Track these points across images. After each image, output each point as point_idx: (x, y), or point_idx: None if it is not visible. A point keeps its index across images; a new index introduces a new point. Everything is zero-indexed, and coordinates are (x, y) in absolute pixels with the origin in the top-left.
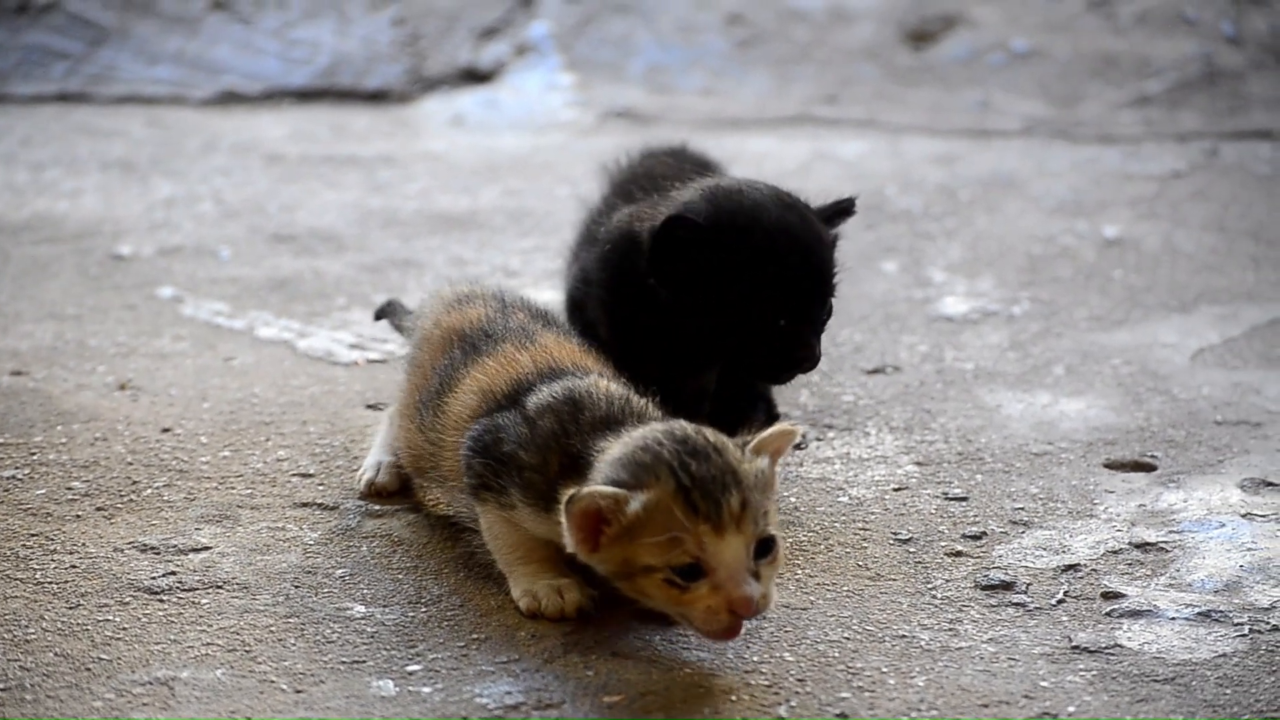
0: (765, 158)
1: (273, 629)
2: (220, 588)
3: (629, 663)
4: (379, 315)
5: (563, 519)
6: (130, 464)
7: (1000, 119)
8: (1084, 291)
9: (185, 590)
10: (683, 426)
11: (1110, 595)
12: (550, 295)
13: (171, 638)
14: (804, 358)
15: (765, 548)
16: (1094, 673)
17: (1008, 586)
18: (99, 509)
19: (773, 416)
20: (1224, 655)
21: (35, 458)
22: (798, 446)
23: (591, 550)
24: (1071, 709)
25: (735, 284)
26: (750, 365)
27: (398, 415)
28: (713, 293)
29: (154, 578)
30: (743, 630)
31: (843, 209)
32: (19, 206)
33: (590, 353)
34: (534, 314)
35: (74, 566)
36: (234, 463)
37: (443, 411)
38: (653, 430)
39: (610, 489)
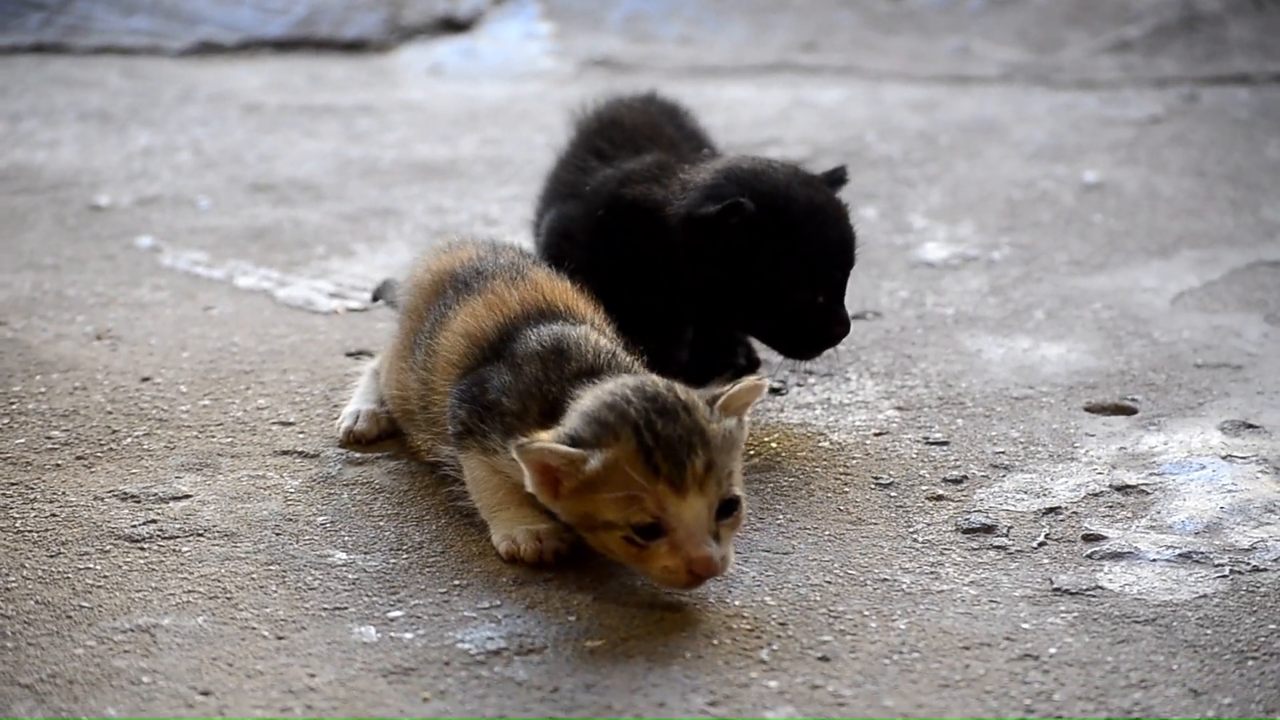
0: (744, 105)
1: (254, 576)
2: (201, 535)
3: (611, 608)
4: (376, 296)
5: (520, 463)
6: (110, 413)
7: (979, 65)
8: (1064, 236)
9: (166, 538)
10: (654, 383)
11: (1091, 538)
12: (530, 244)
13: (153, 585)
14: (840, 333)
15: (728, 508)
16: (1075, 614)
17: (989, 530)
18: (79, 458)
19: (753, 361)
20: (1204, 596)
21: (14, 407)
22: (776, 391)
23: (553, 497)
24: (1053, 650)
25: (777, 266)
26: (786, 341)
27: (388, 360)
28: (753, 274)
29: (135, 526)
30: (704, 585)
31: (837, 178)
32: None
33: (580, 294)
34: (525, 254)
35: (54, 515)
36: (214, 411)
37: (434, 352)
38: (622, 385)
39: (563, 449)
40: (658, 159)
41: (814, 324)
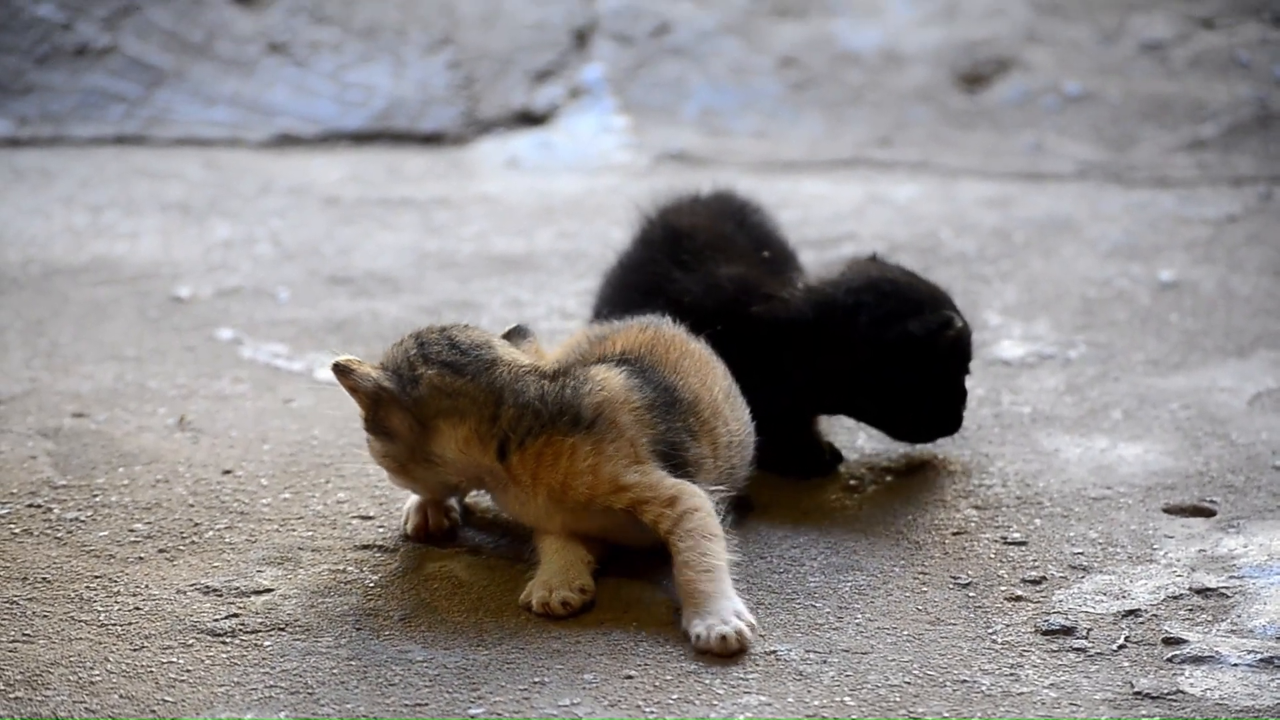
0: (819, 200)
1: (335, 671)
2: (283, 630)
3: (690, 707)
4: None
5: None
6: (192, 506)
7: (1054, 162)
8: (1140, 335)
9: (248, 632)
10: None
11: (1171, 641)
12: None
13: (235, 680)
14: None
15: None
16: (1156, 719)
17: (1068, 631)
18: (161, 551)
19: (836, 455)
20: None
21: (98, 499)
22: (854, 490)
23: None
24: None
25: (961, 360)
26: (936, 423)
27: None
28: (941, 371)
29: (217, 619)
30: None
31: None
32: (78, 248)
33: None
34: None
35: (137, 608)
36: (295, 505)
37: None
38: None
39: None
40: (746, 274)
41: (957, 402)
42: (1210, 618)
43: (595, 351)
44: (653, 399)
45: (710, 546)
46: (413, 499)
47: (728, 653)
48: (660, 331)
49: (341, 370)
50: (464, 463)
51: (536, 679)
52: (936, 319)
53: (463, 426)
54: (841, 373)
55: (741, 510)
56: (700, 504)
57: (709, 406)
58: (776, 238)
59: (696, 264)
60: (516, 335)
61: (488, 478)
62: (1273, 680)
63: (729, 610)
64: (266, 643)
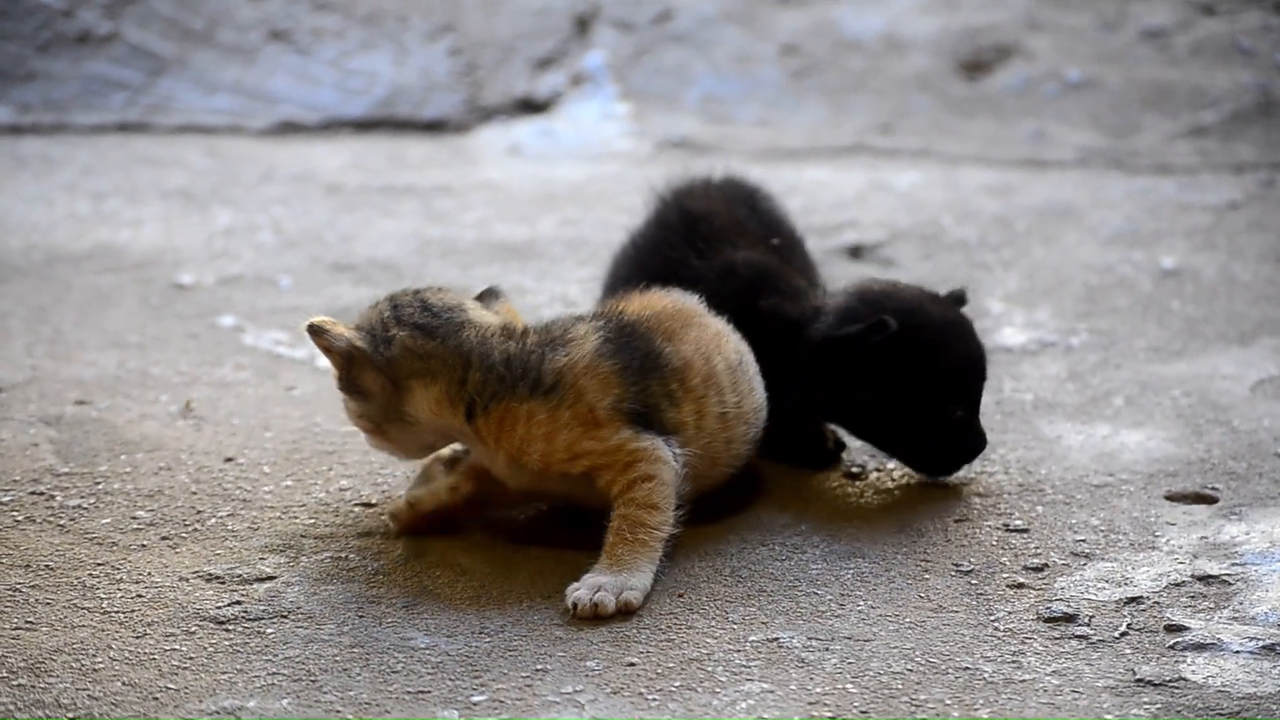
0: (821, 187)
1: (338, 659)
2: (285, 617)
3: (692, 694)
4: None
5: None
6: (194, 493)
7: (1055, 149)
8: (1142, 322)
9: (251, 620)
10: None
11: (1173, 628)
12: None
13: (238, 667)
14: (978, 446)
15: None
16: (1158, 706)
17: (1070, 619)
18: (164, 538)
19: (839, 443)
20: None
21: (100, 487)
22: (856, 477)
23: None
24: None
25: (919, 381)
26: (923, 457)
27: None
28: (895, 390)
29: (219, 607)
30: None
31: (957, 298)
32: (80, 236)
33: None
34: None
35: (140, 595)
36: (297, 492)
37: None
38: None
39: None
40: (764, 263)
41: (952, 439)
42: (1212, 605)
43: (609, 309)
44: (625, 363)
45: (646, 517)
46: (411, 470)
47: (579, 616)
48: (677, 301)
49: (316, 330)
50: (437, 423)
51: (539, 666)
52: (873, 319)
53: (434, 388)
54: (824, 378)
55: (747, 495)
56: (655, 472)
57: (700, 374)
58: (786, 224)
59: (712, 250)
60: (489, 296)
61: (460, 437)
62: (1274, 667)
63: (617, 584)
64: (269, 630)
